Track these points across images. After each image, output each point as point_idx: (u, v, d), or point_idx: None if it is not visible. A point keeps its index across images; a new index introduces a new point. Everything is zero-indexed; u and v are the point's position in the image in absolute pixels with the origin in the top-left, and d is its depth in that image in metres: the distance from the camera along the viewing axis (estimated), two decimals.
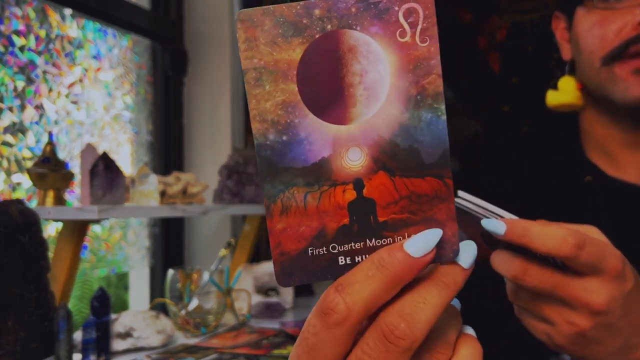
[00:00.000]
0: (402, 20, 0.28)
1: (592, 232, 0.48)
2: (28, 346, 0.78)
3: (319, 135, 0.28)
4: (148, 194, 1.03)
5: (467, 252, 0.30)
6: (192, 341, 1.01)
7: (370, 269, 0.27)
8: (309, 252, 0.29)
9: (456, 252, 0.29)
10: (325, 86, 0.28)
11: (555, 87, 0.76)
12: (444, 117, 0.29)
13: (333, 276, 0.29)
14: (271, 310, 1.22)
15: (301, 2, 0.28)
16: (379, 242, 0.29)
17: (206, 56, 1.47)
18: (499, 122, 2.89)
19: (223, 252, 1.20)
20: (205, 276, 1.12)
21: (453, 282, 0.28)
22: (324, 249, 0.29)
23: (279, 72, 0.28)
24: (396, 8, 0.28)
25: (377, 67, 0.28)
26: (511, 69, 2.91)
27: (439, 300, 0.28)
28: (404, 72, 0.28)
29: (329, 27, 0.28)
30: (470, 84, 2.72)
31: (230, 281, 1.14)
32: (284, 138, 0.28)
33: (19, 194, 1.04)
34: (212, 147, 1.47)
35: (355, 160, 0.29)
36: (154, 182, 1.04)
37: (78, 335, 0.90)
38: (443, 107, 0.29)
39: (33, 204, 0.96)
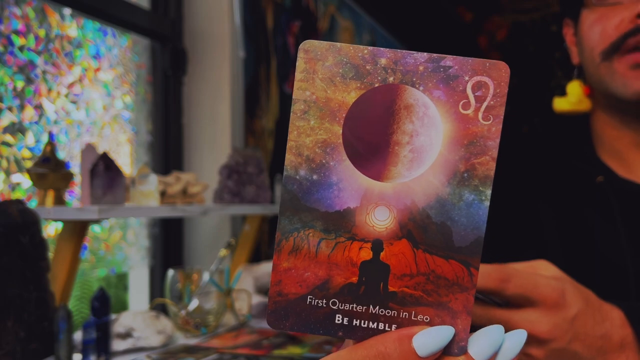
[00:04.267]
0: (469, 91, 0.26)
1: (542, 266, 0.51)
2: (28, 346, 0.78)
3: (350, 184, 0.27)
4: (148, 194, 1.03)
5: (485, 343, 0.26)
6: (192, 341, 1.00)
7: None
8: (308, 300, 0.28)
9: (462, 350, 0.27)
10: (371, 137, 0.27)
11: (558, 89, 0.77)
12: (487, 203, 0.27)
13: (325, 332, 0.28)
14: None
15: (369, 47, 0.27)
16: (382, 312, 0.27)
17: (206, 56, 1.47)
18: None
19: (223, 252, 1.20)
20: (205, 276, 1.12)
21: None
22: (324, 301, 0.28)
23: (328, 111, 0.27)
24: (466, 78, 0.26)
25: (429, 132, 0.27)
26: (512, 68, 2.91)
27: None
28: (457, 145, 0.27)
29: (391, 79, 0.27)
30: None
31: (231, 281, 1.14)
32: (315, 177, 0.27)
33: (19, 194, 1.04)
34: (212, 147, 1.47)
35: (381, 220, 0.27)
36: (154, 182, 1.04)
37: (78, 336, 0.89)
38: (489, 192, 0.27)
39: (33, 204, 0.96)
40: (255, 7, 1.57)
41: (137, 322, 0.94)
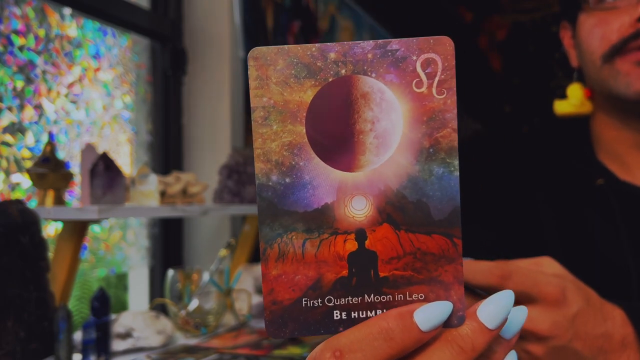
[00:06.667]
0: (419, 70, 0.27)
1: (546, 263, 0.51)
2: (28, 347, 0.78)
3: (323, 180, 0.27)
4: (148, 194, 1.03)
5: (497, 306, 0.27)
6: (192, 341, 1.00)
7: (377, 339, 0.26)
8: (303, 302, 0.28)
9: (461, 320, 0.27)
10: (335, 131, 0.27)
11: (559, 90, 0.77)
12: (457, 173, 0.27)
13: (326, 331, 0.28)
14: None
15: (317, 45, 0.27)
16: (377, 299, 0.28)
17: (206, 56, 1.47)
18: (501, 122, 2.88)
19: (223, 252, 1.20)
20: (205, 276, 1.12)
21: (471, 347, 0.26)
22: (319, 300, 0.28)
23: (288, 113, 0.27)
24: (414, 57, 0.27)
25: (389, 115, 0.27)
26: (512, 68, 2.91)
27: None
28: (418, 123, 0.27)
29: (343, 71, 0.27)
30: (471, 84, 2.71)
31: (231, 281, 1.14)
32: (287, 180, 0.27)
33: (19, 194, 1.04)
34: (212, 147, 1.47)
35: (359, 210, 0.28)
36: (154, 182, 1.04)
37: (78, 336, 0.89)
38: (456, 162, 0.27)
39: (33, 204, 0.96)
40: (255, 7, 1.57)
41: (137, 322, 0.94)
